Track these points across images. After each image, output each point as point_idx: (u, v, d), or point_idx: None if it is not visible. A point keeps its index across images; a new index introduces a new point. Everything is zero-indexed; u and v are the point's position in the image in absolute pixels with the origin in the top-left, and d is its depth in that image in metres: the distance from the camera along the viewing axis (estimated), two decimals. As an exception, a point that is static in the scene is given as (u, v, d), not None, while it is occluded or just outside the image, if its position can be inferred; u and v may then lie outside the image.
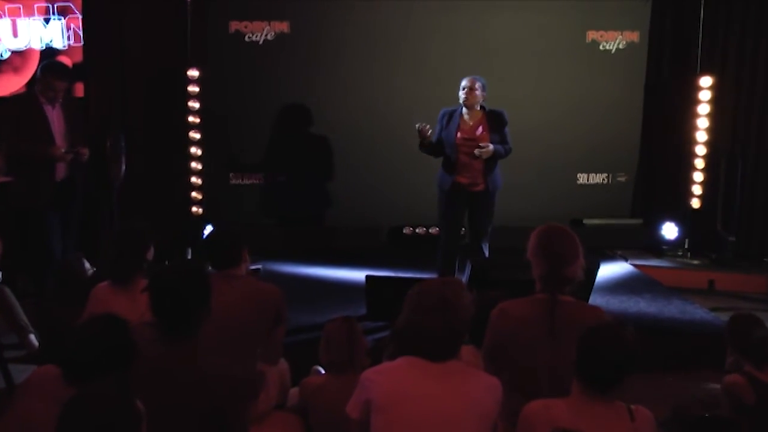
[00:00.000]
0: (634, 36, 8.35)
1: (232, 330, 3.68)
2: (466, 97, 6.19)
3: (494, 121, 6.27)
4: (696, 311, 6.54)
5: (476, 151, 6.11)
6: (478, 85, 6.22)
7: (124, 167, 6.98)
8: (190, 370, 2.85)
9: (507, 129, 6.31)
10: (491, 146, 6.13)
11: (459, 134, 6.21)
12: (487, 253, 6.35)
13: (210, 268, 3.95)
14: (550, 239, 3.44)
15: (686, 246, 8.26)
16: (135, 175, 7.21)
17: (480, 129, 6.22)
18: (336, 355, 3.86)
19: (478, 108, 6.27)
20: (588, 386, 2.86)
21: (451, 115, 6.27)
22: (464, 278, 5.56)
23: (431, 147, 6.23)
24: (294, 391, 4.17)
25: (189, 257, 7.30)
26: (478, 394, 2.85)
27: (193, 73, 7.34)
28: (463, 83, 6.24)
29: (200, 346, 2.95)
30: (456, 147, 6.20)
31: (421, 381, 2.81)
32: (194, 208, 7.55)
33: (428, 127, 6.10)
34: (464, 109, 6.27)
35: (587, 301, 5.62)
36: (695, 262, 8.07)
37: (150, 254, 4.12)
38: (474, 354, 3.70)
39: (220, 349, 3.41)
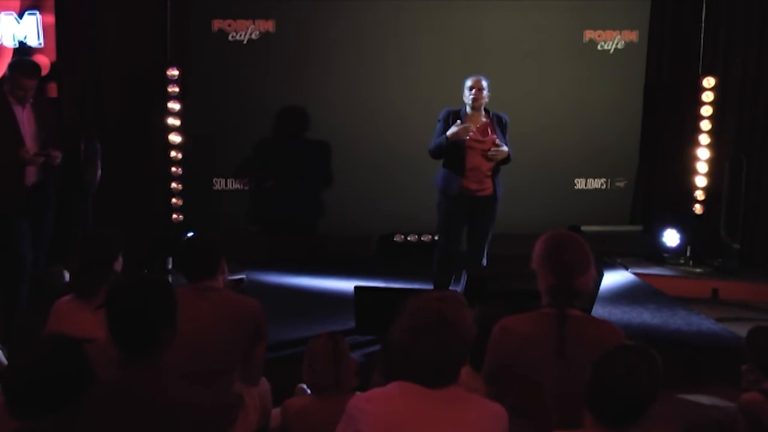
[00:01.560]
0: (633, 35, 8.15)
1: (207, 348, 3.41)
2: (475, 98, 5.93)
3: (499, 124, 6.04)
4: (702, 322, 6.27)
5: (491, 152, 5.83)
6: (484, 84, 5.98)
7: (99, 172, 6.68)
8: (152, 398, 2.52)
9: (507, 135, 6.08)
10: (505, 147, 5.90)
11: (469, 135, 5.91)
12: (485, 262, 6.05)
13: (185, 279, 3.65)
14: (558, 248, 3.12)
15: (688, 253, 7.98)
16: (111, 180, 6.90)
17: (489, 131, 5.96)
18: (320, 376, 3.54)
19: (482, 110, 6.00)
20: (600, 421, 2.54)
21: (457, 116, 5.99)
22: (459, 289, 5.27)
23: (446, 150, 5.91)
24: (276, 413, 3.87)
25: (169, 267, 6.99)
26: (482, 424, 2.53)
27: (173, 72, 7.02)
28: (469, 83, 5.98)
29: (165, 370, 2.61)
30: (465, 149, 5.90)
31: (417, 410, 2.48)
32: (174, 215, 7.22)
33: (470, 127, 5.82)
34: (468, 110, 5.99)
35: (590, 312, 5.36)
36: (698, 270, 7.78)
37: (118, 265, 3.78)
38: (472, 376, 3.37)
39: (193, 370, 3.12)
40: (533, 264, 3.19)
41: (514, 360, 3.06)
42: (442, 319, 2.48)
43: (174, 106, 7.05)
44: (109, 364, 2.62)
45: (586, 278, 3.13)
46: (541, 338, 3.03)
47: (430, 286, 6.15)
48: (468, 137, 5.82)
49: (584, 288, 3.13)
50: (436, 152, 5.98)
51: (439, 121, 6.03)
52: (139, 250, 6.73)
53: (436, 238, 7.59)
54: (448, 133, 5.83)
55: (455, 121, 5.91)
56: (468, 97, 5.95)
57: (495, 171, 5.98)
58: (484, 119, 6.02)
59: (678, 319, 6.31)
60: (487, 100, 6.00)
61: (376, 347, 5.11)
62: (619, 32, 8.10)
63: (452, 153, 5.91)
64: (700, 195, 7.87)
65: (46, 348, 2.42)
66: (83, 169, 6.57)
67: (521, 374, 3.04)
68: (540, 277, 3.16)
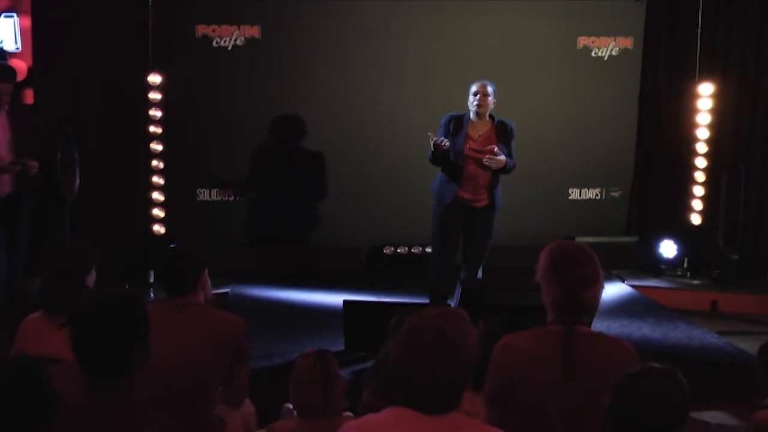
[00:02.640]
0: (627, 42, 7.99)
1: (185, 369, 3.19)
2: (479, 104, 5.72)
3: (503, 133, 5.82)
4: (705, 336, 6.07)
5: (485, 160, 5.61)
6: (490, 90, 5.76)
7: (77, 181, 6.47)
8: (122, 427, 2.27)
9: (514, 143, 5.86)
10: (503, 156, 5.67)
11: (468, 144, 5.71)
12: (480, 275, 5.85)
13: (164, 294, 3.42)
14: (565, 259, 2.90)
15: (685, 265, 7.77)
16: (90, 189, 6.69)
17: (491, 140, 5.75)
18: (308, 398, 3.30)
19: (488, 117, 5.78)
20: None
21: (459, 122, 5.77)
22: (453, 303, 5.06)
23: (443, 158, 5.70)
24: (261, 436, 3.63)
25: (151, 281, 6.73)
26: (485, 454, 2.29)
27: (155, 78, 6.79)
28: (474, 88, 5.77)
29: (137, 395, 2.37)
30: (464, 157, 5.71)
31: (414, 439, 2.24)
32: (156, 227, 7.00)
33: (444, 141, 5.58)
34: (472, 117, 5.78)
35: (589, 327, 5.17)
36: (695, 282, 7.60)
37: (90, 279, 3.53)
38: (471, 400, 3.12)
39: (170, 392, 2.95)
40: (537, 276, 2.97)
41: (518, 381, 2.83)
42: (443, 338, 2.24)
43: (156, 113, 6.83)
44: (78, 388, 2.39)
45: (595, 291, 2.92)
46: (547, 357, 2.81)
47: (423, 300, 5.97)
48: (443, 144, 5.58)
49: (593, 302, 2.93)
50: (434, 162, 5.78)
51: (441, 126, 5.82)
52: (119, 264, 6.59)
53: (428, 249, 7.46)
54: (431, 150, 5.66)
55: (457, 129, 5.72)
56: (472, 102, 5.74)
57: (493, 182, 5.77)
58: (488, 127, 5.80)
59: (679, 333, 6.11)
60: (492, 106, 5.79)
61: (367, 364, 4.89)
62: (613, 38, 7.94)
63: (451, 161, 5.70)
64: (698, 205, 7.68)
65: (3, 371, 2.16)
66: (60, 178, 6.35)
67: (526, 396, 2.82)
68: (545, 290, 2.94)
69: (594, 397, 2.50)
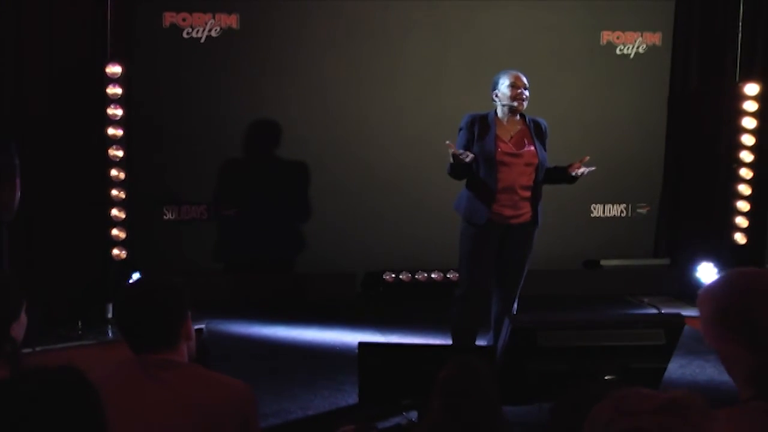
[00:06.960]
0: (656, 38, 7.50)
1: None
2: (522, 99, 4.87)
3: (539, 133, 4.98)
4: (782, 378, 5.11)
5: (579, 173, 4.99)
6: (527, 82, 4.94)
7: (18, 194, 5.62)
8: None
9: (547, 144, 5.08)
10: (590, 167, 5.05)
11: (500, 148, 4.84)
12: (515, 307, 5.00)
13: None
14: (750, 302, 1.89)
15: (726, 291, 6.93)
16: (34, 205, 5.93)
17: (526, 141, 4.91)
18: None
19: (518, 116, 4.97)
20: None
21: (484, 123, 4.91)
22: (500, 344, 4.08)
23: (466, 170, 4.86)
24: None
25: (109, 316, 5.91)
26: None
27: (115, 69, 5.95)
28: (510, 80, 4.88)
29: None
30: (496, 164, 4.82)
31: None
32: (116, 251, 6.25)
33: (467, 154, 4.73)
34: (500, 115, 4.93)
35: (664, 372, 4.31)
36: (739, 310, 6.74)
37: (18, 329, 2.43)
38: None
39: None
40: (706, 338, 1.95)
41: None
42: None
43: (116, 112, 6.02)
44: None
45: None
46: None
47: (445, 339, 5.19)
48: (465, 158, 4.71)
49: None
50: (455, 177, 4.95)
51: (461, 129, 4.97)
52: (70, 297, 5.95)
53: (434, 275, 7.01)
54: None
55: (483, 131, 4.87)
56: (508, 98, 4.86)
57: (536, 194, 4.92)
58: (519, 126, 4.96)
59: (751, 375, 5.18)
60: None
61: (388, 423, 4.25)
62: (640, 34, 7.49)
63: (479, 170, 4.85)
64: (742, 222, 6.97)
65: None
66: (-4, 190, 5.57)
67: None
68: (726, 358, 1.92)
69: None
